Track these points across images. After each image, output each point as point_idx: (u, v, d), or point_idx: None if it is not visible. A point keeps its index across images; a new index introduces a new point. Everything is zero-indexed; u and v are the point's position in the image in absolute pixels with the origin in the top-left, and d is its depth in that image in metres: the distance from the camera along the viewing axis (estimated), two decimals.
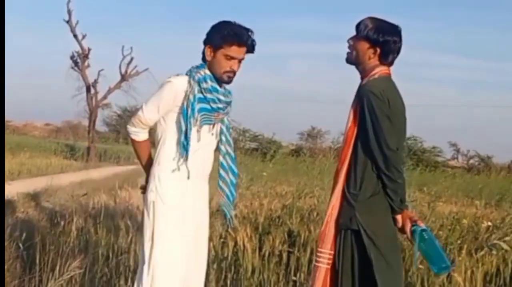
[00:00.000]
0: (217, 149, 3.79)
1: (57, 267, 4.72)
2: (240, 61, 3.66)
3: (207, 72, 3.65)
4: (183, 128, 3.55)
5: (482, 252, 6.09)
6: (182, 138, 3.56)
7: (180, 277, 3.59)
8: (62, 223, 6.42)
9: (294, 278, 5.59)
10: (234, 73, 3.66)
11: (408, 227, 3.59)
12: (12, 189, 10.43)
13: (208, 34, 3.67)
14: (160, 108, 3.62)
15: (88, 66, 33.09)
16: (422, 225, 3.60)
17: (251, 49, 3.67)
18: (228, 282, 5.44)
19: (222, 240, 5.92)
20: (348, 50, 3.65)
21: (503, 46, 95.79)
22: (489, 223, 7.59)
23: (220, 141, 3.78)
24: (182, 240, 3.60)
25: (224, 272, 5.47)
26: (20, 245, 5.19)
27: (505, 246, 6.18)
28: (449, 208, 10.00)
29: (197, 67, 3.68)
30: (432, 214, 7.73)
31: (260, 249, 5.79)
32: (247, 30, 3.63)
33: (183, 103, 3.57)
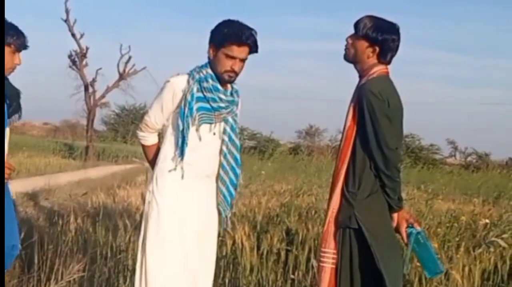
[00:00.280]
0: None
1: (56, 267, 4.73)
2: (242, 60, 3.63)
3: (209, 71, 3.64)
4: (180, 128, 3.55)
5: (480, 250, 6.10)
6: (179, 137, 3.56)
7: (175, 277, 3.58)
8: (61, 222, 6.43)
9: (292, 276, 5.59)
10: (235, 72, 3.63)
11: (403, 228, 3.61)
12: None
13: (211, 33, 3.66)
14: (164, 109, 3.66)
15: (86, 65, 33.07)
16: (418, 228, 3.62)
17: (254, 48, 3.63)
18: (227, 280, 5.45)
19: (220, 238, 5.93)
20: (345, 48, 3.65)
21: (501, 43, 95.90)
22: (487, 221, 7.60)
23: (222, 141, 3.73)
24: (178, 240, 3.59)
25: (222, 271, 5.48)
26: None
27: (502, 243, 6.19)
28: (447, 205, 10.02)
29: (200, 66, 3.68)
30: (430, 212, 7.74)
31: (258, 247, 5.80)
32: (249, 29, 3.60)
33: (180, 102, 3.58)
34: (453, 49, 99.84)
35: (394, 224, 3.62)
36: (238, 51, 3.58)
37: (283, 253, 5.87)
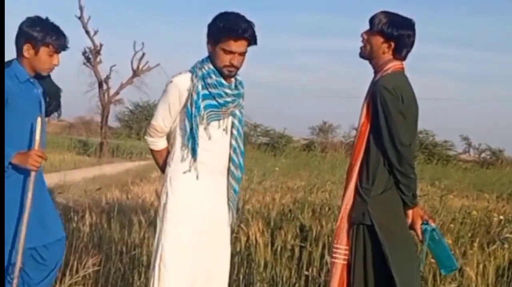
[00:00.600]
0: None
1: (71, 262, 4.76)
2: (241, 54, 3.53)
3: (211, 66, 3.55)
4: (188, 128, 3.49)
5: (494, 246, 6.07)
6: (189, 138, 3.49)
7: (188, 276, 3.55)
8: (76, 218, 6.48)
9: (306, 272, 5.60)
10: (235, 67, 3.53)
11: (418, 225, 3.61)
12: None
13: (208, 27, 3.55)
14: (172, 111, 3.57)
15: (100, 62, 33.20)
16: (433, 225, 3.61)
17: (252, 41, 3.53)
18: (241, 276, 5.46)
19: (234, 235, 5.94)
20: (361, 45, 3.65)
21: None
22: (501, 217, 7.59)
23: (231, 135, 3.65)
24: (196, 242, 3.55)
25: (236, 267, 5.49)
26: None
27: None
28: (461, 202, 9.98)
29: (201, 61, 3.59)
30: (444, 208, 7.72)
31: (272, 243, 5.80)
32: (246, 22, 3.49)
33: (187, 102, 3.51)
34: (468, 45, 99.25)
35: (409, 221, 3.61)
36: (236, 45, 3.48)
37: (297, 250, 5.87)
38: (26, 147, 3.64)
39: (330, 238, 5.86)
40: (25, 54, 3.70)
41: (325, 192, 8.28)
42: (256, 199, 7.98)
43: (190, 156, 3.52)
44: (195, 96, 3.48)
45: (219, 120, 3.58)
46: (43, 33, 3.68)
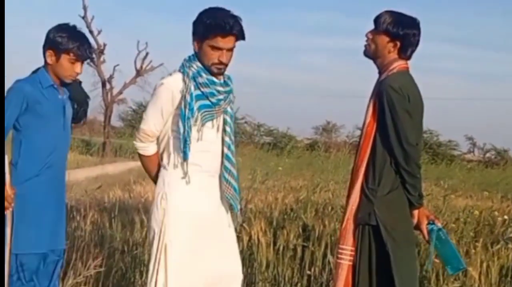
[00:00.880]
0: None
1: (72, 261, 4.75)
2: (229, 50, 3.44)
3: (199, 64, 3.46)
4: (181, 130, 3.38)
5: (498, 246, 6.07)
6: (181, 141, 3.39)
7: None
8: (78, 217, 6.47)
9: (308, 272, 5.59)
10: (224, 64, 3.45)
11: (424, 225, 3.60)
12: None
13: (193, 24, 3.47)
14: (164, 114, 3.47)
15: (104, 61, 33.24)
16: (439, 225, 3.60)
17: (240, 37, 3.45)
18: (243, 276, 5.44)
19: (236, 234, 5.92)
20: (365, 43, 3.64)
21: None
22: (505, 217, 7.56)
23: (224, 132, 3.56)
24: (200, 246, 3.46)
25: None
26: None
27: None
28: (465, 202, 9.96)
29: (189, 59, 3.50)
30: (447, 208, 7.70)
31: (275, 243, 5.80)
32: (233, 17, 3.41)
33: (180, 103, 3.41)
34: (472, 44, 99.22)
35: (415, 221, 3.60)
36: (224, 42, 3.39)
37: (299, 249, 5.86)
38: (48, 151, 3.67)
39: (332, 238, 5.85)
40: (48, 60, 3.72)
41: (328, 191, 8.25)
42: (259, 199, 7.96)
43: (182, 158, 3.42)
44: (188, 98, 3.38)
45: (213, 119, 3.50)
46: (65, 40, 3.67)
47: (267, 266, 5.54)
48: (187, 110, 3.38)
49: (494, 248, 5.97)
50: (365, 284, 3.49)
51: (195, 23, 3.46)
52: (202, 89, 3.43)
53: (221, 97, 3.50)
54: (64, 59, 3.69)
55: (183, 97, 3.40)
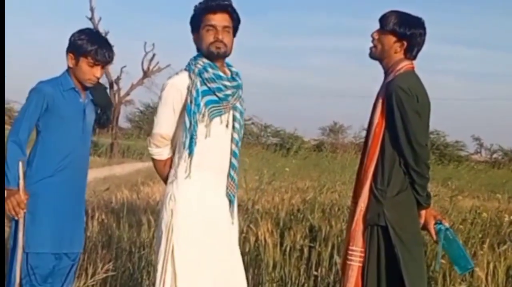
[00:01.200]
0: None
1: (80, 262, 4.77)
2: (225, 29, 3.44)
3: (205, 60, 3.46)
4: (187, 126, 3.37)
5: (505, 246, 6.06)
6: (187, 137, 3.39)
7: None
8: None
9: (315, 273, 5.59)
10: (221, 41, 3.42)
11: (431, 225, 3.59)
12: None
13: (190, 23, 3.54)
14: (176, 113, 3.46)
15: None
16: (446, 224, 3.60)
17: (232, 14, 3.47)
18: (250, 277, 5.44)
19: (243, 235, 5.93)
20: (371, 45, 3.64)
21: None
22: None
23: (233, 128, 3.52)
24: (208, 247, 3.44)
25: (245, 267, 5.48)
26: None
27: None
28: (472, 202, 9.93)
29: (194, 58, 3.51)
30: (454, 209, 7.69)
31: (281, 244, 5.80)
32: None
33: (186, 100, 3.41)
34: (478, 45, 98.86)
35: (422, 221, 3.60)
36: (216, 18, 3.42)
37: (306, 250, 5.86)
38: (64, 153, 3.71)
39: (339, 239, 5.85)
40: (69, 63, 3.78)
41: (335, 192, 8.25)
42: (266, 200, 7.96)
43: (187, 155, 3.41)
44: (194, 93, 3.38)
45: (220, 115, 3.47)
46: (84, 43, 3.72)
47: (274, 266, 5.54)
48: (193, 105, 3.37)
49: (501, 249, 5.95)
50: (374, 285, 3.49)
51: (190, 19, 3.52)
52: (208, 85, 3.42)
53: (228, 92, 3.48)
54: (83, 62, 3.73)
55: (189, 92, 3.40)
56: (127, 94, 34.39)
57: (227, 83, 3.48)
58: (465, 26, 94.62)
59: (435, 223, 3.59)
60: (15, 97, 29.43)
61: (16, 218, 3.62)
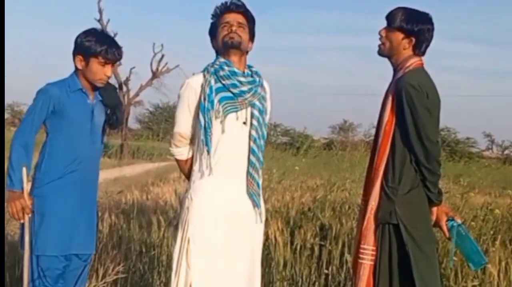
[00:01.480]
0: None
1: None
2: (239, 24, 3.54)
3: (222, 60, 3.53)
4: (202, 123, 3.43)
5: None
6: (202, 133, 3.44)
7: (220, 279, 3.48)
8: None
9: (326, 271, 5.59)
10: (235, 32, 3.51)
11: (443, 222, 3.57)
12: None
13: (209, 33, 3.67)
14: (193, 112, 3.52)
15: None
16: (459, 221, 3.57)
17: (247, 13, 3.58)
18: (260, 275, 5.44)
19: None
20: (379, 42, 3.62)
21: None
22: None
23: (251, 125, 3.53)
24: (225, 246, 3.46)
25: None
26: None
27: None
28: (483, 199, 9.88)
29: (213, 61, 3.58)
30: (466, 205, 7.64)
31: (292, 242, 5.80)
32: (239, 1, 3.57)
33: (200, 97, 3.48)
34: (488, 42, 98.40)
35: (433, 218, 3.58)
36: (231, 16, 3.54)
37: (316, 248, 5.86)
38: (73, 154, 3.72)
39: (350, 237, 5.83)
40: (78, 65, 3.78)
41: (345, 190, 8.22)
42: (276, 198, 7.94)
43: (206, 153, 3.45)
44: (207, 90, 3.44)
45: (236, 111, 3.50)
46: (93, 44, 3.73)
47: (285, 265, 5.54)
48: (206, 102, 3.44)
49: None
50: (385, 283, 3.47)
51: (209, 29, 3.64)
52: (223, 82, 3.48)
53: (244, 88, 3.51)
54: (94, 62, 3.74)
55: (203, 90, 3.46)
56: (137, 95, 34.52)
57: (242, 79, 3.52)
58: (477, 23, 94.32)
59: (447, 220, 3.58)
60: (25, 100, 29.61)
61: (21, 221, 3.63)
